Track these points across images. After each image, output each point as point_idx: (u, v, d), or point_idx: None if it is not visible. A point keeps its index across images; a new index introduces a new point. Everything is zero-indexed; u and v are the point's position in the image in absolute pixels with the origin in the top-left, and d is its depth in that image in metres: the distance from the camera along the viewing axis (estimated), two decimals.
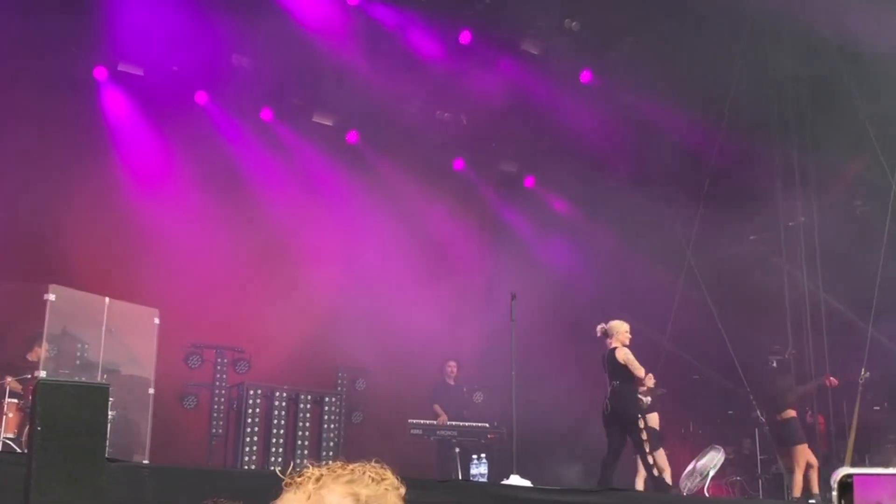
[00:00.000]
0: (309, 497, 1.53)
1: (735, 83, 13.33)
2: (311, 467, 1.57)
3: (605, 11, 13.54)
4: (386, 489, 1.55)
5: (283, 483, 1.56)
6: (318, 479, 1.55)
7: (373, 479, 1.55)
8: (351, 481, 1.54)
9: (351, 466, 1.57)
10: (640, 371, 9.97)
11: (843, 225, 12.69)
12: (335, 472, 1.56)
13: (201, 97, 13.58)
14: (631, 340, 10.28)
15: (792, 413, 11.61)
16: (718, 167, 13.50)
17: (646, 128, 14.18)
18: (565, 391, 14.40)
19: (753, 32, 13.10)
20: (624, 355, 10.01)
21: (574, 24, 13.71)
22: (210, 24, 12.51)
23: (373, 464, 1.59)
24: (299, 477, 1.55)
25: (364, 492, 1.53)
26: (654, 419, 11.75)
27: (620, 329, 10.20)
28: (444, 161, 15.66)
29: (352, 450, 12.81)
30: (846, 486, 1.80)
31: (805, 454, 11.28)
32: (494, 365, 12.76)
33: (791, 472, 11.26)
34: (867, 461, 12.16)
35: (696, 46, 12.99)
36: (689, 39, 13.13)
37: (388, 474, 1.59)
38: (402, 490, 1.59)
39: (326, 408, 12.47)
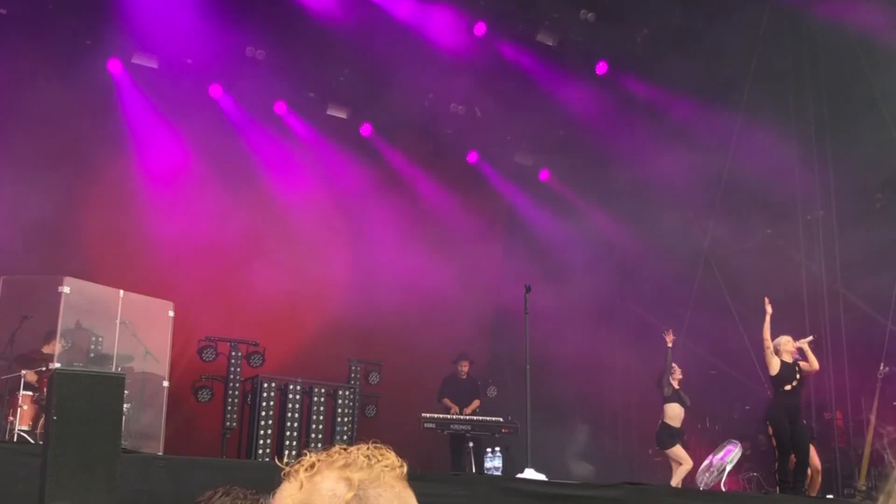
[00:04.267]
0: (302, 486, 1.49)
1: (752, 74, 13.21)
2: (307, 455, 1.52)
3: (621, 2, 13.45)
4: (381, 470, 1.50)
5: (283, 473, 1.52)
6: (311, 466, 1.52)
7: (367, 461, 1.50)
8: (345, 465, 1.51)
9: (349, 450, 1.52)
10: (769, 368, 10.58)
11: (862, 218, 12.55)
12: (331, 457, 1.52)
13: (215, 90, 13.56)
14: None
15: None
16: (735, 159, 13.39)
17: (661, 120, 14.08)
18: (580, 384, 14.35)
19: (771, 23, 12.98)
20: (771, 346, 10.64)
21: (590, 15, 13.62)
22: (224, 17, 12.48)
23: (371, 445, 1.53)
24: (297, 465, 1.51)
25: (357, 475, 1.49)
26: (670, 412, 11.71)
27: (781, 341, 10.70)
28: (458, 154, 15.60)
29: (365, 443, 12.76)
30: None
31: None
32: (508, 358, 12.70)
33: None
34: (886, 457, 12.05)
35: (712, 37, 12.88)
36: (705, 30, 13.02)
37: (387, 454, 1.53)
38: (402, 469, 1.54)
39: (340, 401, 12.42)
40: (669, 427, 11.69)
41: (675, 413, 11.69)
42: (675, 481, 11.28)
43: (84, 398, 4.49)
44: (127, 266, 11.67)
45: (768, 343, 10.57)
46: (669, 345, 11.85)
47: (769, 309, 10.69)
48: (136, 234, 12.45)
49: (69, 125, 11.95)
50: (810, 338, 10.90)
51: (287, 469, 1.54)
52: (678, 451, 11.60)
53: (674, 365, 11.89)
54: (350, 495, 1.47)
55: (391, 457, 1.56)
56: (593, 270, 15.03)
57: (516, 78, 14.14)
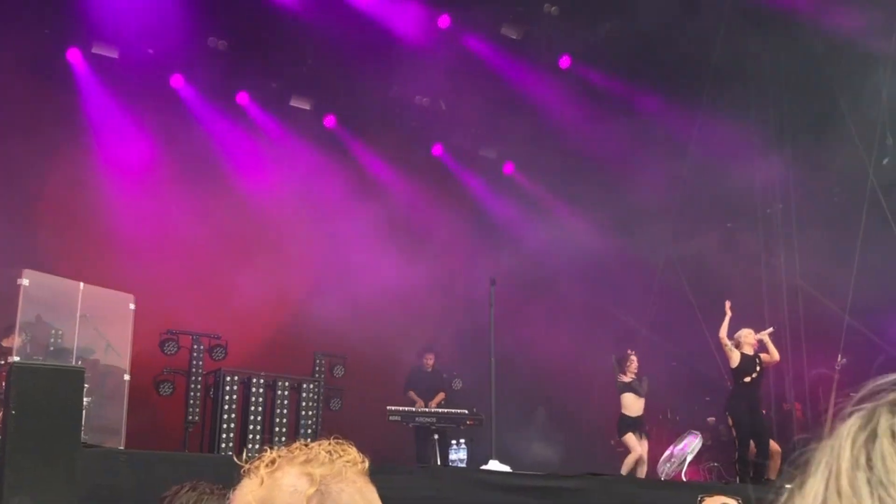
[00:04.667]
0: (262, 482, 1.49)
1: (714, 69, 13.33)
2: (268, 451, 1.52)
3: None
4: (343, 465, 1.50)
5: (242, 470, 1.51)
6: (272, 462, 1.51)
7: (329, 457, 1.50)
8: (306, 461, 1.51)
9: (311, 445, 1.52)
10: (729, 361, 10.81)
11: (820, 212, 12.75)
12: (292, 453, 1.52)
13: (177, 80, 13.42)
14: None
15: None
16: (696, 152, 13.53)
17: (624, 113, 14.17)
18: (545, 376, 14.44)
19: (733, 18, 13.11)
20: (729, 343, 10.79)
21: (554, 8, 13.66)
22: (186, 7, 12.35)
23: (332, 441, 1.54)
24: (257, 462, 1.51)
25: (319, 471, 1.49)
26: (625, 401, 11.74)
27: (742, 334, 10.83)
28: (422, 146, 15.58)
29: (330, 437, 12.71)
30: None
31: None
32: (473, 350, 12.73)
33: None
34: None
35: (675, 32, 12.98)
36: (668, 24, 13.13)
37: (348, 450, 1.54)
38: (364, 465, 1.54)
39: (304, 394, 12.37)
40: (625, 416, 11.78)
41: (629, 402, 11.77)
42: (624, 470, 11.33)
43: (43, 392, 4.44)
44: (87, 259, 11.52)
45: (725, 342, 10.75)
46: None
47: (729, 312, 10.82)
48: (96, 227, 12.30)
49: (28, 115, 11.78)
50: (770, 329, 11.05)
51: (247, 466, 1.53)
52: (628, 438, 11.63)
53: (632, 356, 11.94)
54: (311, 490, 1.47)
55: (353, 452, 1.56)
56: (559, 263, 15.11)
57: (480, 71, 14.15)
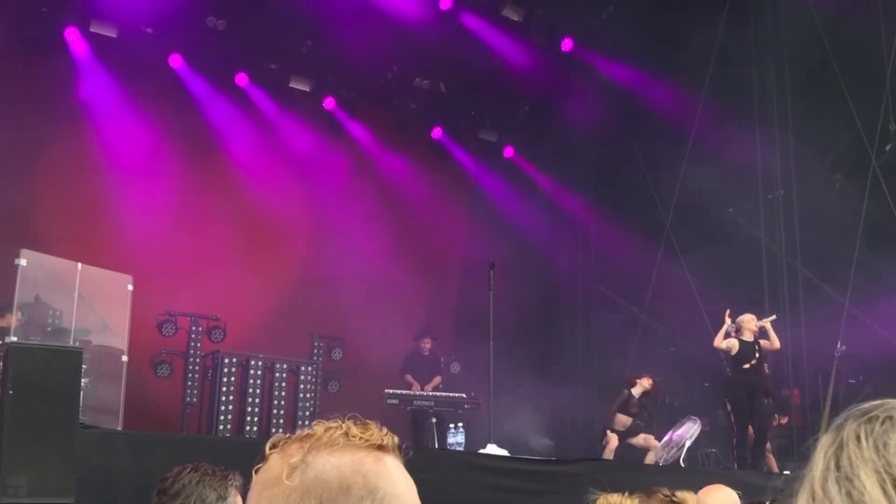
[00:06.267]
0: (266, 458, 1.49)
1: (717, 54, 13.24)
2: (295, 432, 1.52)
3: None
4: (339, 437, 1.45)
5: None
6: (281, 441, 1.50)
7: (326, 431, 1.47)
8: (307, 436, 1.48)
9: (320, 423, 1.50)
10: (729, 351, 10.70)
11: (822, 199, 12.67)
12: (305, 431, 1.51)
13: (175, 60, 13.31)
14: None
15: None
16: (699, 137, 13.45)
17: (626, 97, 14.08)
18: (543, 361, 14.42)
19: (736, 3, 13.02)
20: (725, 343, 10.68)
21: None
22: None
23: (345, 418, 1.51)
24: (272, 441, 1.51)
25: (309, 442, 1.46)
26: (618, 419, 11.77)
27: (744, 319, 10.73)
28: (422, 129, 15.50)
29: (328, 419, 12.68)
30: None
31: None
32: (471, 334, 12.71)
33: None
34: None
35: (678, 14, 12.89)
36: (671, 6, 13.03)
37: (352, 426, 1.49)
38: (378, 438, 1.47)
39: (302, 377, 12.38)
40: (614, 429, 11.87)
41: (620, 421, 11.84)
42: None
43: (41, 372, 4.39)
44: (85, 239, 11.46)
45: (720, 347, 10.71)
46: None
47: (728, 320, 10.76)
48: (94, 207, 12.23)
49: (26, 94, 11.68)
50: (773, 317, 11.00)
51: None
52: (611, 439, 11.73)
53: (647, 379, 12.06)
54: (295, 459, 1.43)
55: (355, 427, 1.52)
56: (557, 248, 15.06)
57: (481, 53, 14.05)
